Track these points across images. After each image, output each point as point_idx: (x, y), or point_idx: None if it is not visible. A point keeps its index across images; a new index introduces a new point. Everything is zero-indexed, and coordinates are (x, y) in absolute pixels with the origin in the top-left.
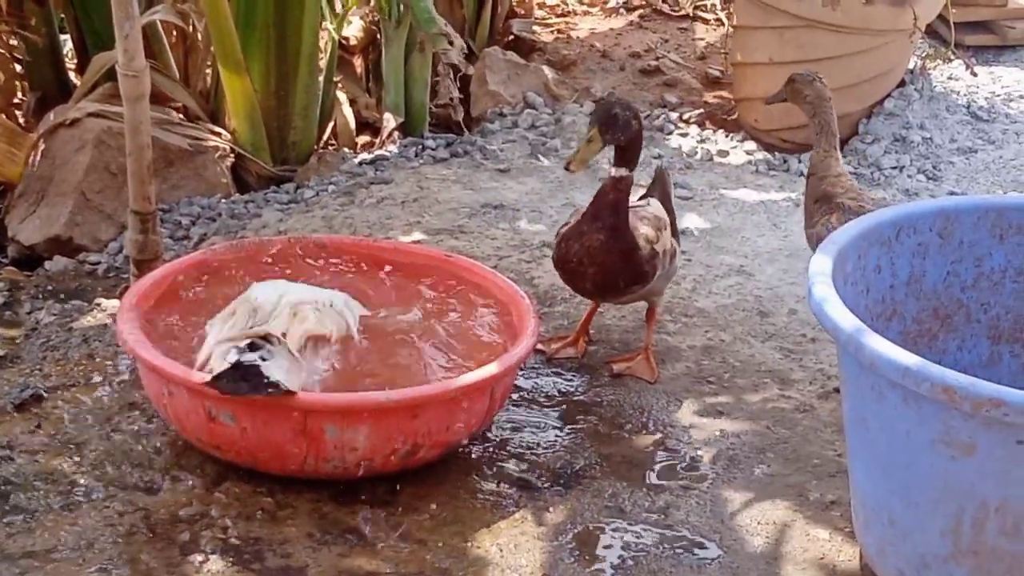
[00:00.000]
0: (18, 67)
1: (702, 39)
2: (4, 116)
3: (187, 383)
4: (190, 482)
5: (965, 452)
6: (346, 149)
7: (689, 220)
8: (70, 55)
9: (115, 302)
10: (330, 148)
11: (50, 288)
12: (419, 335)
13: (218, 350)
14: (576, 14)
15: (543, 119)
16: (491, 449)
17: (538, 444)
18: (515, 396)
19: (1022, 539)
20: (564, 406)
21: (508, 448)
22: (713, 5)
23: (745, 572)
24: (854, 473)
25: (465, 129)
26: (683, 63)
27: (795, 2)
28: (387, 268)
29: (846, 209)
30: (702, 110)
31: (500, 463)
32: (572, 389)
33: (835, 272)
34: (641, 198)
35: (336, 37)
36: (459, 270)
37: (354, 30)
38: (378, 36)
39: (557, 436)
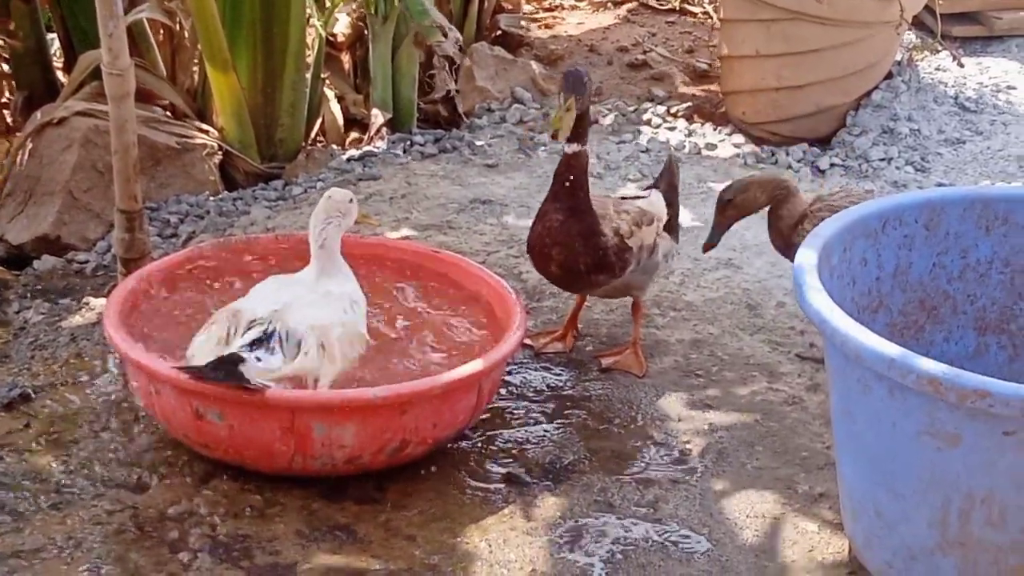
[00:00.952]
0: (4, 66)
1: (689, 33)
2: None
3: (174, 381)
4: (178, 480)
5: (951, 443)
6: (334, 146)
7: None
8: (57, 54)
9: (103, 301)
10: (318, 145)
11: (38, 287)
12: (406, 331)
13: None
14: (564, 9)
15: (531, 114)
16: (479, 445)
17: (526, 439)
18: (503, 391)
19: (1008, 530)
20: (552, 401)
21: (496, 443)
22: None
23: (734, 565)
24: (841, 465)
25: (453, 125)
26: (671, 57)
27: None
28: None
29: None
30: (690, 104)
31: (488, 459)
32: (560, 384)
33: (821, 265)
34: (646, 188)
35: (323, 34)
36: (447, 266)
37: (341, 27)
38: (365, 32)
39: (545, 431)
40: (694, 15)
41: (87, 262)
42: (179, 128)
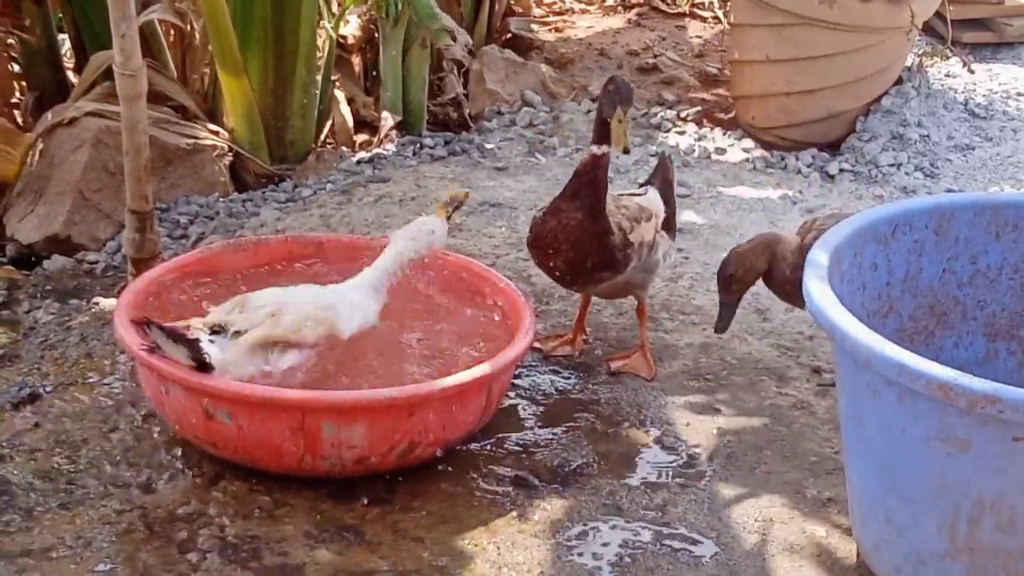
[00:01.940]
0: (16, 67)
1: (699, 37)
2: (0, 116)
3: (184, 381)
4: (188, 480)
5: (961, 449)
6: (344, 148)
7: (687, 217)
8: (68, 54)
9: (113, 301)
10: (328, 147)
11: (48, 287)
12: (414, 332)
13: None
14: (574, 12)
15: (541, 117)
16: (488, 447)
17: (535, 442)
18: (512, 394)
19: (1018, 535)
20: (561, 404)
21: (505, 446)
22: (710, 3)
23: (742, 569)
24: (850, 470)
25: (462, 128)
26: (680, 61)
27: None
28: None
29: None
30: (699, 108)
31: (497, 461)
32: (569, 387)
33: (831, 270)
34: (641, 186)
35: (334, 36)
36: (456, 268)
37: (352, 29)
38: (376, 35)
39: (554, 434)
40: (704, 19)
41: (97, 262)
42: (189, 129)
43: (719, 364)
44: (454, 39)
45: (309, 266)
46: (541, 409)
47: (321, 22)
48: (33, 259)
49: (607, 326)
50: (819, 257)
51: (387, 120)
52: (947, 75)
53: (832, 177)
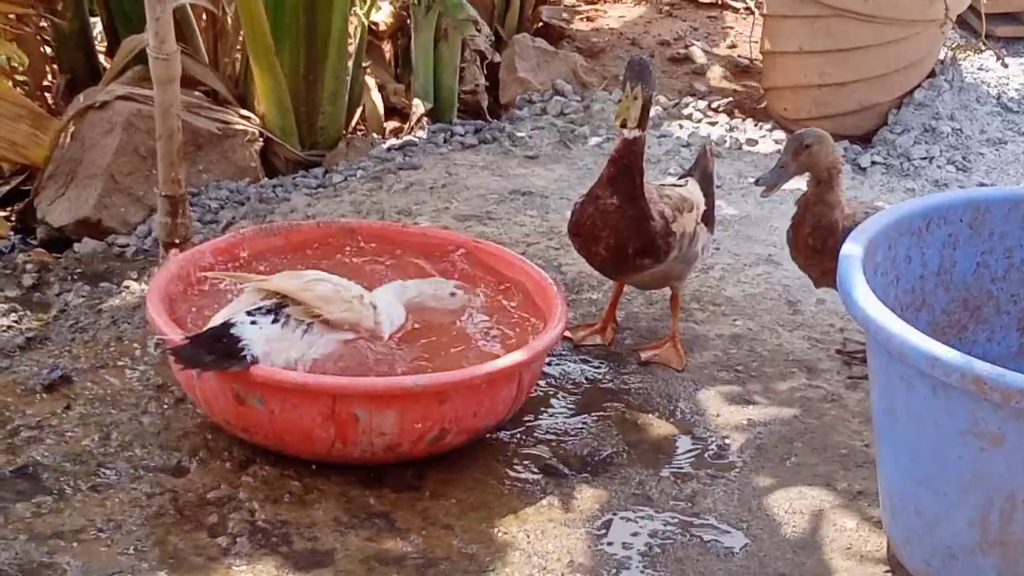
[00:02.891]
0: (48, 50)
1: (731, 27)
2: (30, 99)
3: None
4: (218, 465)
5: (994, 443)
6: (374, 134)
7: (717, 209)
8: (100, 38)
9: (144, 285)
10: (358, 133)
11: (79, 270)
12: (447, 321)
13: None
14: (606, 1)
15: (572, 106)
16: (518, 435)
17: (565, 431)
18: (542, 383)
19: None
20: (591, 393)
21: (535, 435)
22: None
23: (772, 561)
24: (882, 463)
25: (493, 116)
26: (712, 52)
27: None
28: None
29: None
30: (731, 99)
31: (527, 449)
32: (599, 376)
33: (865, 262)
34: (681, 177)
35: (365, 22)
36: (487, 256)
37: (383, 15)
38: (408, 21)
39: (584, 423)
40: (736, 10)
41: (127, 246)
42: (220, 114)
43: (749, 355)
44: (479, 29)
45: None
46: (571, 398)
47: (353, 8)
48: (63, 242)
49: (638, 316)
50: (854, 249)
51: (418, 107)
52: (980, 69)
53: (864, 170)
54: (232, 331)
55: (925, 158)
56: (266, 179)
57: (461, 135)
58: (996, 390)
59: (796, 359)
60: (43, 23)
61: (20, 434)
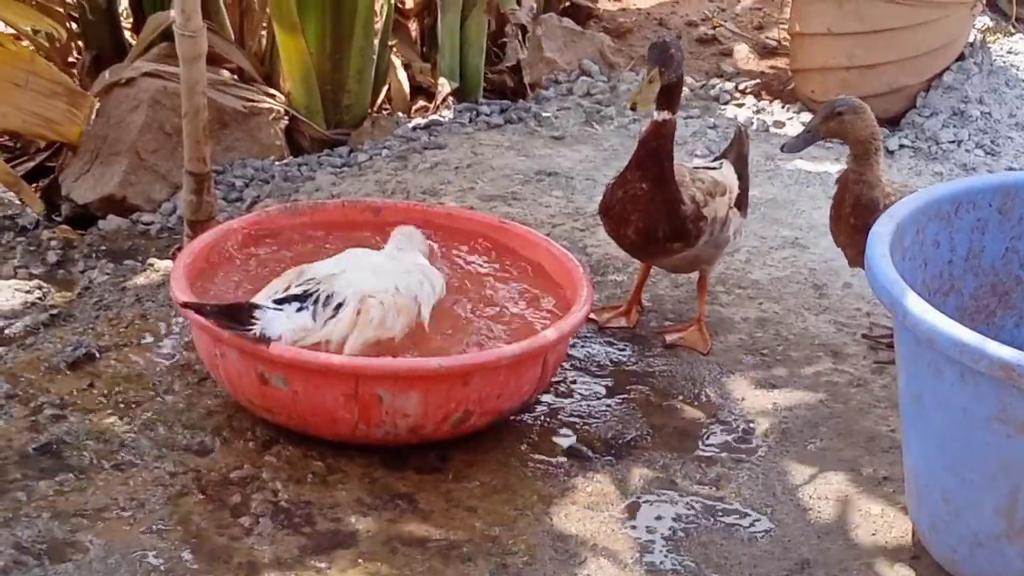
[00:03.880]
0: (74, 26)
1: (759, 9)
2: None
3: (239, 345)
4: (241, 445)
5: (1021, 430)
6: (400, 113)
7: None
8: (126, 14)
9: (168, 262)
10: (384, 112)
11: (103, 247)
12: (470, 301)
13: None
14: None
15: (598, 87)
16: (542, 418)
17: (589, 414)
18: (567, 365)
19: None
20: (616, 376)
21: (559, 417)
22: None
23: (796, 546)
24: (908, 449)
25: (519, 96)
26: (740, 33)
27: None
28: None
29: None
30: (758, 80)
31: (551, 432)
32: (624, 359)
33: (893, 246)
34: (716, 159)
35: (392, 0)
36: (513, 237)
37: None
38: (434, 0)
39: (608, 406)
40: None
41: (152, 223)
42: (246, 92)
43: (775, 339)
44: (519, 3)
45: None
46: (596, 381)
47: None
48: (88, 219)
49: (663, 298)
50: (882, 233)
51: (444, 87)
52: (1010, 52)
53: (892, 153)
54: (255, 312)
55: (953, 141)
56: (291, 157)
57: (487, 115)
58: None
59: (822, 343)
60: None
61: (44, 411)
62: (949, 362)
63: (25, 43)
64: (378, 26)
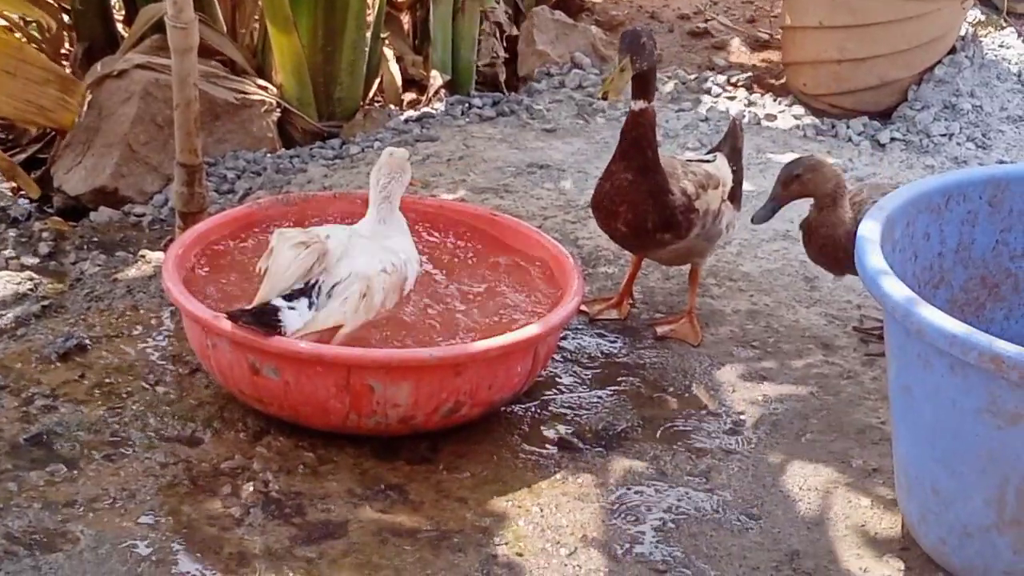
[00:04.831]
0: (66, 17)
1: (751, 2)
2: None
3: (230, 335)
4: (232, 435)
5: (1011, 422)
6: (392, 106)
7: None
8: (118, 6)
9: (160, 254)
10: (376, 105)
11: (95, 239)
12: (462, 293)
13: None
14: None
15: (590, 79)
16: (533, 409)
17: (580, 405)
18: (557, 357)
19: None
20: (607, 368)
21: (550, 409)
22: None
23: (786, 537)
24: (898, 441)
25: (511, 88)
26: (732, 26)
27: None
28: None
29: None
30: (750, 73)
31: (542, 423)
32: (615, 351)
33: (883, 238)
34: (710, 151)
35: None
36: (504, 229)
37: None
38: None
39: (599, 398)
40: None
41: (144, 215)
42: (238, 84)
43: (766, 331)
44: (497, 1)
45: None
46: (586, 372)
47: None
48: (80, 211)
49: (654, 290)
50: (872, 225)
51: (436, 79)
52: (1001, 45)
53: (883, 146)
54: (277, 315)
55: (945, 135)
56: (283, 150)
57: (479, 107)
58: (1014, 368)
59: (813, 335)
60: None
61: (35, 402)
62: (939, 354)
63: (16, 35)
64: (370, 19)
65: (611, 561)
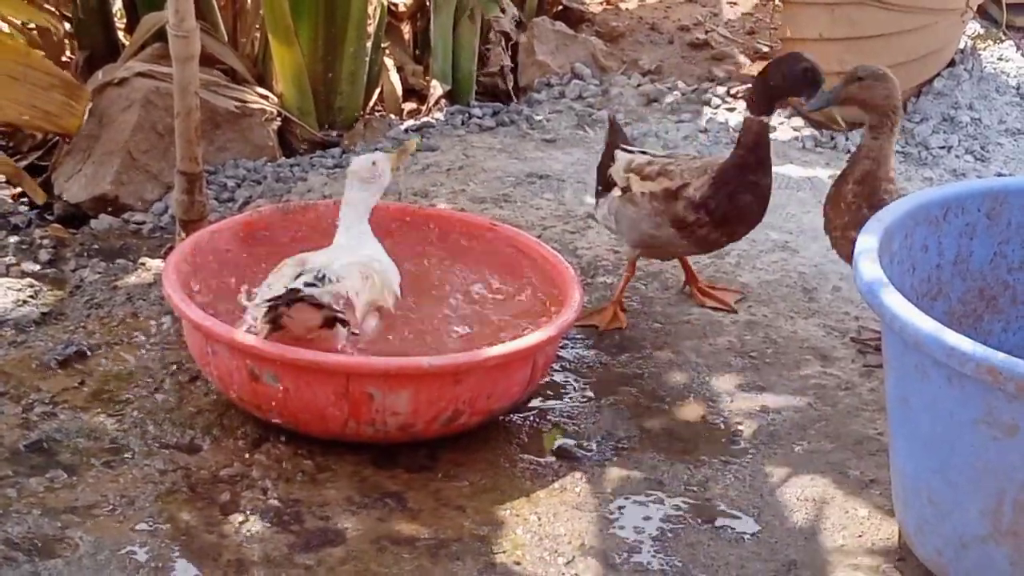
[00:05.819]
0: (67, 26)
1: (751, 14)
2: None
3: (231, 342)
4: (231, 443)
5: (1008, 433)
6: (392, 115)
7: None
8: (119, 14)
9: (160, 262)
10: (376, 114)
11: (95, 246)
12: (461, 302)
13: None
14: None
15: (590, 90)
16: (531, 418)
17: (578, 414)
18: (556, 366)
19: None
20: (606, 377)
21: (548, 418)
22: None
23: (783, 548)
24: (895, 452)
25: (511, 99)
26: (732, 37)
27: None
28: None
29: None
30: (750, 85)
31: (540, 432)
32: (613, 360)
33: (881, 250)
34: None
35: (385, 3)
36: (503, 239)
37: None
38: (427, 3)
39: (597, 407)
40: None
41: (144, 223)
42: (239, 93)
43: (764, 342)
44: (503, 10)
45: None
46: (585, 381)
47: None
48: (80, 218)
49: (652, 300)
50: (870, 237)
51: (436, 89)
52: (1000, 58)
53: None
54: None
55: (943, 147)
56: (283, 158)
57: (479, 117)
58: (1011, 380)
59: (811, 346)
60: None
61: (35, 409)
62: (936, 365)
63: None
64: (371, 28)
65: (609, 570)
